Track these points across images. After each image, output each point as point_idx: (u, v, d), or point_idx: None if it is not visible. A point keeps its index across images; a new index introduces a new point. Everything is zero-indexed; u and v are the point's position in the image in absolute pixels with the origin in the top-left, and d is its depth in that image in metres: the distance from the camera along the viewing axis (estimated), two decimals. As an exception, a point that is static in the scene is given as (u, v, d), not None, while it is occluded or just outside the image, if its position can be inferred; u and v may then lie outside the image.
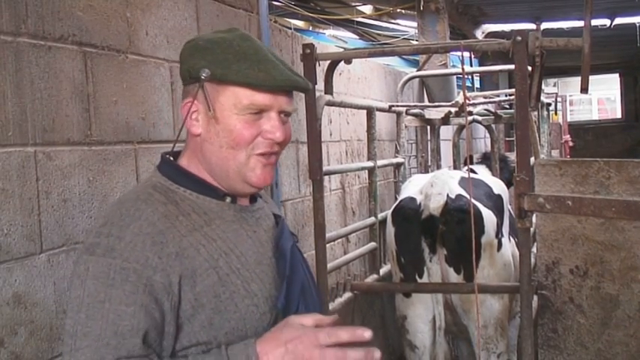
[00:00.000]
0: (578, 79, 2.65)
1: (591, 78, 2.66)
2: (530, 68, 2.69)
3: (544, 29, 8.96)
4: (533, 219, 2.98)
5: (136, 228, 1.27)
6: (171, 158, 1.45)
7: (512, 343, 3.72)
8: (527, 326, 2.61)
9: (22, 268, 2.00)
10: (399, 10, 8.11)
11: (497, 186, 3.87)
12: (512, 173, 3.23)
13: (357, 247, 4.60)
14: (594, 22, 4.32)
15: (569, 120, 13.68)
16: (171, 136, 2.68)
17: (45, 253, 2.09)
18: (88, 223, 2.25)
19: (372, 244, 4.21)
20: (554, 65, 12.01)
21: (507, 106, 5.81)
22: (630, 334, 2.33)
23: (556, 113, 10.34)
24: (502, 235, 3.50)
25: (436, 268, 3.29)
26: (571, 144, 10.23)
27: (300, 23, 9.44)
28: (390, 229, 3.52)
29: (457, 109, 4.95)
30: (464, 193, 3.34)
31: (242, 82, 1.32)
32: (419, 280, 3.34)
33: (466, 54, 5.85)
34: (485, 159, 5.34)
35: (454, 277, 3.27)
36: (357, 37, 10.21)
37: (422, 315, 3.38)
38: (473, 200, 2.89)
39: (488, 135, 5.62)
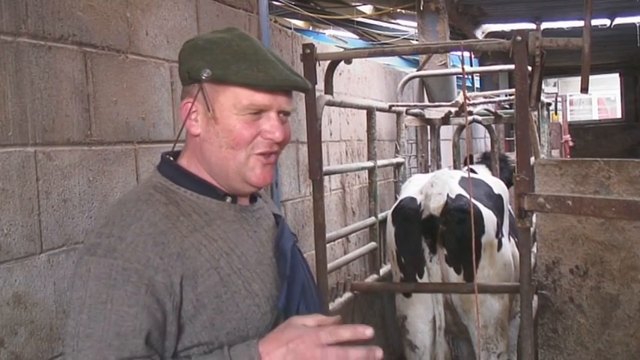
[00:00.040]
0: (578, 79, 2.65)
1: (591, 78, 2.66)
2: (530, 68, 2.69)
3: (544, 29, 8.96)
4: (534, 219, 2.98)
5: (138, 228, 1.27)
6: (171, 158, 1.45)
7: (512, 343, 3.72)
8: (527, 326, 2.61)
9: (22, 268, 2.00)
10: (399, 10, 8.11)
11: (498, 186, 3.87)
12: (512, 173, 3.23)
13: (357, 247, 4.60)
14: (594, 22, 4.32)
15: (569, 120, 13.68)
16: (171, 136, 2.68)
17: (45, 253, 2.09)
18: (88, 223, 2.25)
19: (372, 244, 4.21)
20: (554, 65, 12.01)
21: (507, 106, 5.81)
22: (630, 334, 2.33)
23: (556, 113, 10.35)
24: (502, 235, 3.50)
25: (436, 268, 3.29)
26: (571, 144, 10.24)
27: (300, 23, 9.44)
28: (391, 229, 3.52)
29: (457, 109, 4.95)
30: (464, 193, 3.34)
31: (241, 82, 1.32)
32: (419, 280, 3.34)
33: (466, 54, 5.85)
34: (486, 159, 5.34)
35: (454, 277, 3.27)
36: (357, 37, 10.21)
37: (422, 315, 3.38)
38: (473, 200, 2.89)
39: (488, 135, 5.62)
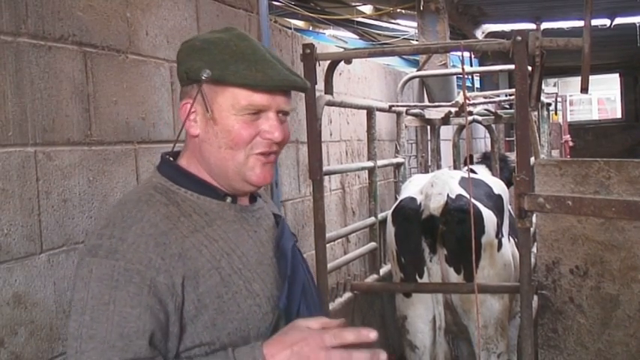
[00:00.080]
0: (578, 79, 2.65)
1: (591, 78, 2.66)
2: (530, 68, 2.69)
3: (544, 29, 8.96)
4: (534, 219, 2.98)
5: (139, 229, 1.27)
6: (171, 159, 1.45)
7: (512, 343, 3.72)
8: (527, 326, 2.61)
9: (22, 268, 2.00)
10: (399, 10, 8.11)
11: (498, 186, 3.87)
12: (512, 173, 3.23)
13: (357, 247, 4.60)
14: (594, 22, 4.32)
15: (569, 120, 13.68)
16: (171, 136, 2.68)
17: (45, 253, 2.09)
18: (88, 223, 2.25)
19: (372, 244, 4.21)
20: (554, 65, 12.01)
21: (507, 106, 5.81)
22: (630, 334, 2.33)
23: (556, 113, 10.34)
24: (502, 235, 3.50)
25: (436, 268, 3.29)
26: (571, 144, 10.23)
27: (300, 23, 9.44)
28: (391, 229, 3.52)
29: (457, 109, 4.95)
30: (464, 193, 3.34)
31: (240, 83, 1.32)
32: (419, 280, 3.34)
33: (466, 54, 5.85)
34: (486, 159, 5.34)
35: (454, 277, 3.27)
36: (357, 37, 10.21)
37: (422, 315, 3.38)
38: (473, 200, 2.89)
39: (488, 135, 5.62)
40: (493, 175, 4.87)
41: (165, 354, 1.25)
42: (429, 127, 5.40)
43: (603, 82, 17.47)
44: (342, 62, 3.21)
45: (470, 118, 4.79)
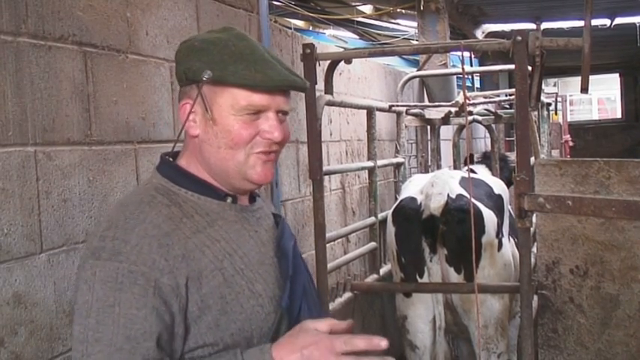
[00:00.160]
0: (578, 79, 2.65)
1: (591, 78, 2.66)
2: (530, 68, 2.69)
3: (544, 29, 8.96)
4: (534, 219, 2.98)
5: (142, 231, 1.26)
6: (171, 159, 1.45)
7: (512, 343, 3.72)
8: (527, 326, 2.61)
9: (22, 268, 2.00)
10: (399, 10, 8.11)
11: (498, 186, 3.87)
12: (512, 173, 3.23)
13: (357, 247, 4.60)
14: (594, 22, 4.31)
15: (569, 120, 13.69)
16: (172, 136, 2.68)
17: (45, 253, 2.09)
18: (88, 223, 2.26)
19: (372, 244, 4.21)
20: (554, 65, 12.01)
21: (507, 106, 5.81)
22: (630, 334, 2.33)
23: (556, 113, 10.34)
24: (502, 235, 3.50)
25: (436, 267, 3.29)
26: (571, 144, 10.24)
27: (300, 23, 9.44)
28: (391, 229, 3.52)
29: (457, 109, 4.95)
30: (464, 192, 3.34)
31: (239, 83, 1.31)
32: (419, 280, 3.34)
33: (466, 54, 5.85)
34: (486, 159, 5.34)
35: (454, 277, 3.27)
36: (357, 37, 10.21)
37: (422, 315, 3.38)
38: (473, 200, 2.89)
39: (488, 135, 5.62)
40: (493, 175, 4.87)
41: (171, 355, 1.25)
42: (429, 127, 5.40)
43: (603, 82, 17.48)
44: (342, 62, 3.21)
45: (470, 118, 4.79)
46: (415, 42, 8.00)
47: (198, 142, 1.38)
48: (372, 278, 4.15)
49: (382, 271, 4.19)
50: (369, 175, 4.26)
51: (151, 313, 1.21)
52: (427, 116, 5.38)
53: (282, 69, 1.35)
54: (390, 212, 3.65)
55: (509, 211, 3.77)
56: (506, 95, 6.16)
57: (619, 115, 16.95)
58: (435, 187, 3.37)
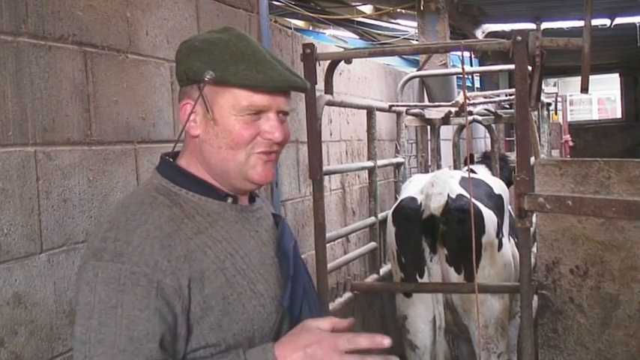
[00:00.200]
0: (578, 79, 2.65)
1: (591, 78, 2.66)
2: (530, 68, 2.69)
3: (544, 29, 8.96)
4: (534, 219, 2.98)
5: (144, 232, 1.26)
6: (171, 159, 1.45)
7: (512, 343, 3.72)
8: (527, 326, 2.61)
9: (22, 268, 2.00)
10: (399, 10, 8.11)
11: (498, 186, 3.87)
12: (512, 173, 3.23)
13: (357, 247, 4.60)
14: (594, 22, 4.31)
15: (569, 120, 13.69)
16: (172, 136, 2.68)
17: (45, 253, 2.09)
18: (88, 223, 2.26)
19: (372, 244, 4.21)
20: (554, 65, 12.01)
21: (507, 106, 5.81)
22: (630, 333, 2.33)
23: (556, 113, 10.34)
24: (502, 235, 3.50)
25: (437, 267, 3.29)
26: (571, 144, 10.24)
27: (300, 23, 9.44)
28: (391, 229, 3.52)
29: (457, 108, 4.95)
30: (464, 192, 3.34)
31: (241, 83, 1.31)
32: (419, 280, 3.34)
33: (466, 54, 5.85)
34: (486, 159, 5.34)
35: (455, 277, 3.27)
36: (358, 37, 10.21)
37: (422, 315, 3.38)
38: (473, 200, 2.89)
39: (488, 135, 5.62)
40: (493, 174, 4.87)
41: (173, 356, 1.25)
42: (429, 127, 5.40)
43: (603, 82, 17.48)
44: (342, 62, 3.21)
45: (470, 118, 4.79)
46: (415, 42, 8.00)
47: (199, 143, 1.38)
48: (372, 278, 4.14)
49: (382, 271, 4.19)
50: (369, 175, 4.26)
51: (154, 315, 1.21)
52: (427, 116, 5.38)
53: (283, 69, 1.35)
54: (390, 212, 3.65)
55: (510, 211, 3.77)
56: (506, 95, 6.16)
57: (619, 115, 16.95)
58: (435, 187, 3.37)
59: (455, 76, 6.51)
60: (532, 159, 3.20)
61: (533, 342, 2.61)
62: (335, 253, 4.32)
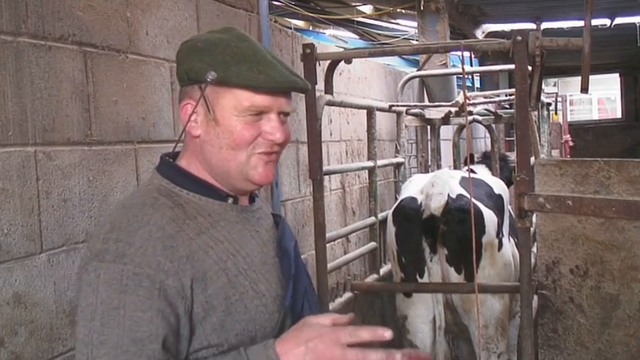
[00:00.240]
0: (578, 78, 2.65)
1: (591, 78, 2.66)
2: (530, 68, 2.69)
3: (544, 29, 8.96)
4: (534, 219, 2.98)
5: (146, 233, 1.26)
6: (170, 160, 1.45)
7: (512, 343, 3.72)
8: (527, 326, 2.61)
9: (22, 268, 2.00)
10: (399, 10, 8.11)
11: (498, 186, 3.87)
12: (512, 173, 3.23)
13: (357, 247, 4.60)
14: (594, 22, 4.31)
15: (569, 120, 13.68)
16: (172, 136, 2.68)
17: (45, 253, 2.09)
18: (88, 223, 2.26)
19: (372, 244, 4.21)
20: (554, 65, 12.01)
21: (507, 106, 5.81)
22: (630, 333, 2.33)
23: (556, 113, 10.34)
24: (503, 235, 3.50)
25: (437, 267, 3.29)
26: (571, 144, 10.24)
27: (300, 23, 9.44)
28: (391, 229, 3.52)
29: (457, 108, 4.95)
30: (465, 192, 3.34)
31: (243, 84, 1.31)
32: (419, 280, 3.34)
33: (466, 54, 5.86)
34: (486, 158, 5.34)
35: (455, 277, 3.27)
36: (358, 37, 10.21)
37: (422, 315, 3.38)
38: (474, 200, 2.89)
39: (488, 135, 5.62)
40: (493, 174, 4.87)
41: (176, 357, 1.25)
42: (429, 127, 5.40)
43: (603, 82, 17.48)
44: (342, 62, 3.21)
45: (470, 117, 4.79)
46: (415, 42, 8.00)
47: (200, 143, 1.38)
48: (372, 278, 4.14)
49: (382, 271, 4.19)
50: (369, 175, 4.26)
51: (157, 316, 1.21)
52: (427, 116, 5.38)
53: (285, 70, 1.35)
54: (390, 212, 3.65)
55: (510, 211, 3.77)
56: (506, 95, 6.16)
57: (619, 115, 16.95)
58: (435, 187, 3.37)
59: (455, 76, 6.51)
60: (532, 159, 3.20)
61: (533, 342, 2.61)
62: (335, 253, 4.32)
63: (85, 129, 2.26)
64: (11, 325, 1.96)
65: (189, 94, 1.38)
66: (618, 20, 9.12)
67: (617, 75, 16.15)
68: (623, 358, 2.34)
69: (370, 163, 4.16)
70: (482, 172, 4.85)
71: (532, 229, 3.08)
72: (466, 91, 3.43)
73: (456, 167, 5.09)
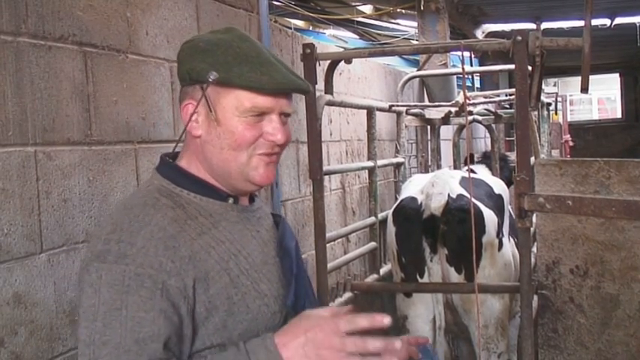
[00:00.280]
0: (578, 78, 2.65)
1: (591, 78, 2.66)
2: (530, 68, 2.69)
3: (544, 29, 8.96)
4: (534, 219, 2.98)
5: (147, 233, 1.26)
6: (170, 160, 1.45)
7: (512, 343, 3.72)
8: (527, 326, 2.61)
9: (22, 268, 2.00)
10: (399, 10, 8.11)
11: (498, 186, 3.87)
12: (512, 173, 3.23)
13: (357, 247, 4.60)
14: (594, 21, 4.31)
15: (569, 120, 13.68)
16: (172, 136, 2.68)
17: (45, 253, 2.09)
18: (88, 223, 2.26)
19: (372, 244, 4.21)
20: (554, 65, 12.01)
21: (507, 106, 5.81)
22: (630, 333, 2.33)
23: (556, 113, 10.34)
24: (503, 235, 3.50)
25: (437, 267, 3.29)
26: (571, 144, 10.24)
27: (300, 23, 9.44)
28: (391, 229, 3.52)
29: (457, 108, 4.95)
30: (465, 192, 3.34)
31: (245, 85, 1.31)
32: (420, 280, 3.34)
33: (466, 54, 5.85)
34: (486, 158, 5.34)
35: (455, 277, 3.27)
36: (358, 37, 10.21)
37: (422, 315, 3.38)
38: (474, 200, 2.89)
39: (488, 135, 5.62)
40: (493, 174, 4.87)
41: (179, 357, 1.25)
42: (429, 127, 5.40)
43: (603, 82, 17.48)
44: (342, 62, 3.21)
45: (470, 117, 4.79)
46: (415, 42, 8.00)
47: (201, 143, 1.38)
48: (372, 278, 4.15)
49: (382, 271, 4.19)
50: (369, 175, 4.26)
51: (159, 316, 1.21)
52: (427, 116, 5.38)
53: (287, 71, 1.35)
54: (390, 212, 3.65)
55: (510, 211, 3.77)
56: (506, 95, 6.16)
57: (619, 115, 16.95)
58: (435, 186, 3.37)
59: (455, 76, 6.51)
60: (532, 159, 3.20)
61: (533, 342, 2.61)
62: (335, 253, 4.32)
63: (85, 129, 2.26)
64: (11, 325, 1.96)
65: (190, 94, 1.38)
66: (618, 20, 9.12)
67: (617, 75, 16.13)
68: (623, 358, 2.34)
69: (370, 163, 4.16)
70: (482, 172, 4.85)
71: (532, 229, 3.08)
72: (466, 91, 3.43)
73: (456, 167, 5.09)
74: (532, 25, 8.86)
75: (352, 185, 4.86)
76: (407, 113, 4.98)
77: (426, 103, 6.03)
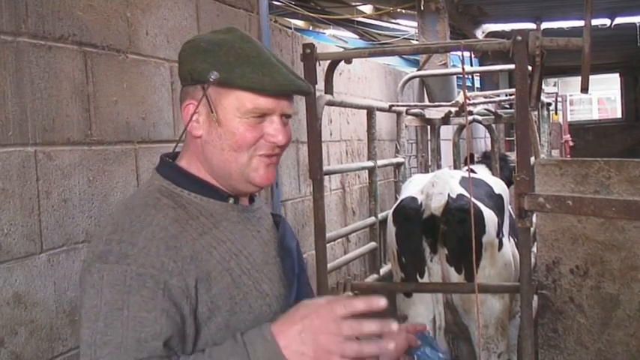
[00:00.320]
0: (579, 78, 2.65)
1: (591, 78, 2.66)
2: (530, 68, 2.69)
3: (544, 29, 8.96)
4: (534, 219, 2.98)
5: (149, 234, 1.26)
6: (170, 160, 1.45)
7: (512, 343, 3.72)
8: (527, 326, 2.61)
9: (22, 268, 2.00)
10: (399, 10, 8.11)
11: (498, 186, 3.87)
12: (512, 173, 3.23)
13: (357, 246, 4.60)
14: (594, 21, 4.32)
15: (569, 120, 13.68)
16: (172, 136, 2.68)
17: (45, 253, 2.09)
18: (88, 223, 2.26)
19: (372, 244, 4.21)
20: (554, 65, 12.01)
21: (507, 106, 5.81)
22: (630, 333, 2.33)
23: (556, 113, 10.34)
24: (503, 235, 3.50)
25: (437, 267, 3.29)
26: (571, 144, 10.24)
27: (300, 23, 9.44)
28: (391, 229, 3.52)
29: (457, 108, 4.95)
30: (465, 192, 3.34)
31: (247, 86, 1.31)
32: (420, 280, 3.34)
33: (466, 54, 5.85)
34: (486, 158, 5.34)
35: (455, 277, 3.27)
36: (358, 37, 10.21)
37: (422, 315, 3.38)
38: (474, 200, 2.89)
39: (488, 135, 5.62)
40: (493, 174, 4.87)
41: (180, 355, 1.25)
42: (429, 127, 5.40)
43: (603, 82, 17.48)
44: (342, 62, 3.21)
45: (470, 117, 4.79)
46: (415, 42, 8.00)
47: (201, 143, 1.38)
48: (372, 278, 4.14)
49: (382, 271, 4.19)
50: (369, 175, 4.26)
51: (161, 316, 1.21)
52: (427, 116, 5.38)
53: (288, 73, 1.35)
54: (390, 212, 3.65)
55: (510, 211, 3.77)
56: (506, 95, 6.16)
57: (619, 115, 16.95)
58: (435, 186, 3.37)
59: (455, 76, 6.51)
60: (532, 159, 3.20)
61: (533, 342, 2.61)
62: (335, 253, 4.32)
63: (85, 129, 2.26)
64: (11, 325, 1.96)
65: (191, 94, 1.37)
66: (618, 20, 9.12)
67: (617, 75, 16.14)
68: (623, 358, 2.34)
69: (370, 163, 4.16)
70: (482, 172, 4.85)
71: (532, 229, 3.08)
72: (466, 91, 3.43)
73: (456, 167, 5.09)
74: (532, 25, 8.86)
75: (352, 185, 4.86)
76: (407, 113, 4.98)
77: (426, 103, 6.03)
